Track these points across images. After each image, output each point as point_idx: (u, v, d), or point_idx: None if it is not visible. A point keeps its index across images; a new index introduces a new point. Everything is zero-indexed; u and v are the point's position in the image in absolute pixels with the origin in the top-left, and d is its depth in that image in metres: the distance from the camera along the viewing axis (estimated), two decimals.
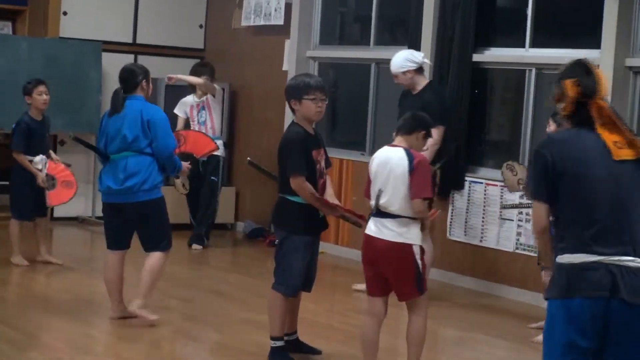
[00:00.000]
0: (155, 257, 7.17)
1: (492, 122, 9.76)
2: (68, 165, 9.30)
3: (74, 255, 9.83)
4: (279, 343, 6.34)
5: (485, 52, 9.42)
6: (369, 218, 5.94)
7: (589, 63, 4.21)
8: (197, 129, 10.46)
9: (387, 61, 10.35)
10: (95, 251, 10.88)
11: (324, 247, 10.22)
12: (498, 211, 8.95)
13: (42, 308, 7.81)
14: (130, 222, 7.15)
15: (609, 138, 4.15)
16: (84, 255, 10.38)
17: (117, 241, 7.25)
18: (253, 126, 11.94)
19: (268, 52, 11.70)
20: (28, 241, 9.22)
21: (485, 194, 9.05)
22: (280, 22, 11.38)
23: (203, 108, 10.65)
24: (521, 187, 7.95)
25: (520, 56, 9.07)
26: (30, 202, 9.00)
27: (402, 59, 8.50)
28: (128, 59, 12.10)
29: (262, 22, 11.65)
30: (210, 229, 10.86)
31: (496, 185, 8.84)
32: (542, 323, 6.82)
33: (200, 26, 12.68)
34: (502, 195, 8.73)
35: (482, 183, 9.04)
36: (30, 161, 8.90)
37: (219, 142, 10.47)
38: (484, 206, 9.12)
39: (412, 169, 5.74)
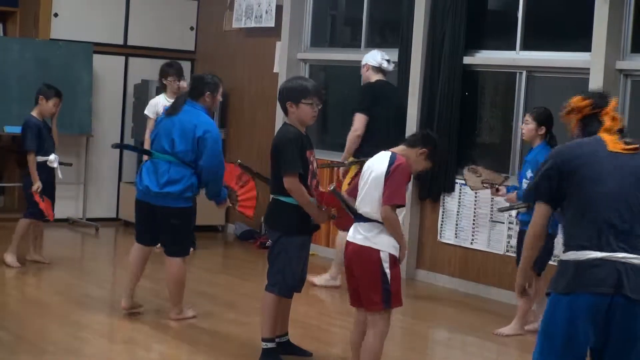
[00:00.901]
0: (174, 264, 7.35)
1: (483, 124, 9.77)
2: (69, 165, 9.35)
3: (64, 257, 9.81)
4: (271, 345, 6.34)
5: (476, 54, 9.43)
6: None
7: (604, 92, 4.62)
8: None
9: None
10: (86, 253, 10.88)
11: (315, 249, 10.24)
12: (489, 214, 8.97)
13: (32, 310, 7.79)
14: (160, 223, 7.30)
15: (607, 137, 4.39)
16: (74, 256, 10.36)
17: (144, 237, 7.48)
18: (244, 128, 11.94)
19: (259, 54, 11.70)
20: (20, 241, 9.22)
21: (476, 197, 9.06)
22: (271, 24, 11.39)
23: None
24: (485, 186, 8.08)
25: (511, 59, 9.08)
26: (53, 203, 9.12)
27: (369, 55, 9.04)
28: (119, 60, 12.15)
29: (253, 24, 11.66)
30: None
31: (487, 188, 8.83)
32: (536, 325, 6.99)
33: (192, 28, 12.68)
34: (492, 198, 8.74)
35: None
36: (46, 161, 8.99)
37: None
38: (475, 209, 9.13)
39: (388, 173, 5.58)
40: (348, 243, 5.74)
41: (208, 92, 7.30)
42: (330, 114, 11.35)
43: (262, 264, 9.06)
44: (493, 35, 9.61)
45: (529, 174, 7.43)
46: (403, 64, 9.75)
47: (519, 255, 7.66)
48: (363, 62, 9.03)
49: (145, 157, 7.94)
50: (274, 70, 11.38)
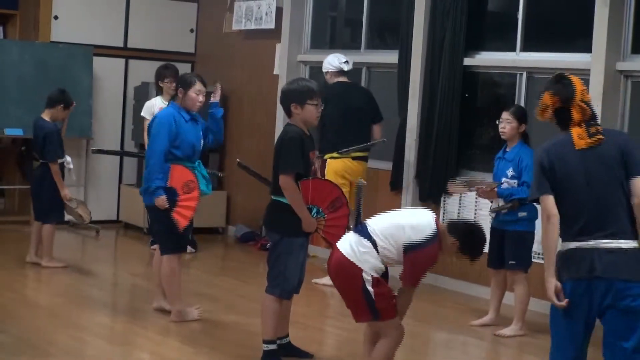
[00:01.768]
0: (162, 261, 7.44)
1: (483, 125, 9.77)
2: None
3: (65, 259, 9.80)
4: (272, 346, 6.34)
5: (476, 56, 9.43)
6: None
7: (564, 74, 4.87)
8: None
9: (378, 65, 10.43)
10: (86, 255, 10.88)
11: (315, 251, 10.25)
12: (489, 215, 8.95)
13: (33, 312, 7.79)
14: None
15: (575, 133, 4.75)
16: (75, 259, 10.34)
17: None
18: (244, 130, 11.94)
19: (259, 56, 11.70)
20: (21, 243, 9.24)
21: (476, 198, 9.04)
22: (271, 26, 11.38)
23: None
24: (472, 188, 8.12)
25: (511, 60, 9.08)
26: (60, 204, 9.19)
27: (325, 62, 9.49)
28: (119, 63, 12.15)
29: (253, 26, 11.66)
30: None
31: (468, 190, 8.82)
32: (485, 319, 7.21)
33: (192, 30, 12.68)
34: (492, 200, 8.72)
35: (473, 187, 9.03)
36: (62, 162, 9.09)
37: None
38: (475, 210, 9.12)
39: (420, 248, 5.51)
40: (336, 249, 5.68)
41: (180, 89, 7.41)
42: None
43: (262, 265, 9.04)
44: (493, 37, 9.61)
45: (510, 172, 7.60)
46: (403, 65, 9.74)
47: (491, 255, 7.73)
48: (324, 69, 9.51)
49: None
50: (274, 73, 11.38)
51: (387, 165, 9.89)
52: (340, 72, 9.43)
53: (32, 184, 9.40)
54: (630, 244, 4.67)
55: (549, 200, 4.75)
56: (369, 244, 5.55)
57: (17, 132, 10.98)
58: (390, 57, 9.96)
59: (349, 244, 5.60)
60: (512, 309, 7.80)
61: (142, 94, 11.59)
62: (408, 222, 5.62)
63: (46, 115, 9.10)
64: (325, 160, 9.20)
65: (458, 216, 9.28)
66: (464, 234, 5.64)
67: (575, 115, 4.75)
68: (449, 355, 7.49)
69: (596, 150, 4.73)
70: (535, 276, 8.00)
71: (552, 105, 4.78)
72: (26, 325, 7.33)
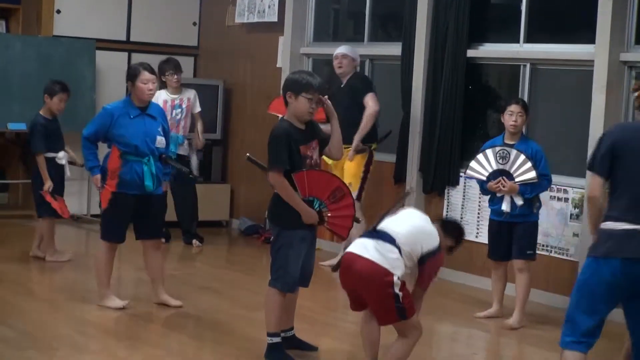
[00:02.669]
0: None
1: (487, 117, 9.76)
2: (81, 165, 9.38)
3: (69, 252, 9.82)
4: (276, 339, 6.33)
5: (479, 47, 9.42)
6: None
7: None
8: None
9: (381, 57, 10.42)
10: (90, 249, 10.86)
11: (320, 243, 10.22)
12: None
13: (38, 306, 7.80)
14: None
15: None
16: (79, 253, 10.34)
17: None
18: (247, 123, 11.93)
19: (262, 49, 11.69)
20: (25, 237, 9.24)
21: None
22: (274, 18, 11.37)
23: (179, 106, 10.48)
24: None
25: (515, 51, 9.06)
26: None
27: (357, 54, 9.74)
28: (122, 57, 12.14)
29: (255, 19, 11.65)
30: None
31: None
32: (490, 311, 7.20)
33: (194, 23, 12.67)
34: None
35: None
36: (54, 157, 8.99)
37: (185, 142, 10.49)
38: (480, 202, 9.11)
39: (432, 257, 5.78)
40: (356, 256, 5.70)
41: (128, 82, 7.52)
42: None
43: (266, 259, 9.02)
44: (496, 28, 9.59)
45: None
46: (406, 57, 9.73)
47: (496, 247, 7.72)
48: (354, 56, 9.59)
49: None
50: (277, 65, 11.37)
51: (391, 158, 9.88)
52: None
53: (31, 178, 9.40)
54: None
55: (596, 181, 5.17)
56: (396, 250, 5.64)
57: (21, 126, 10.96)
58: (394, 49, 9.95)
59: (374, 249, 5.66)
60: (512, 300, 7.80)
61: None
62: (421, 231, 5.79)
63: (42, 110, 9.09)
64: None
65: (462, 208, 9.28)
66: (459, 234, 6.02)
67: None
68: (454, 347, 7.49)
69: None
70: (538, 267, 8.01)
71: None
72: (31, 319, 7.34)
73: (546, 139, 8.46)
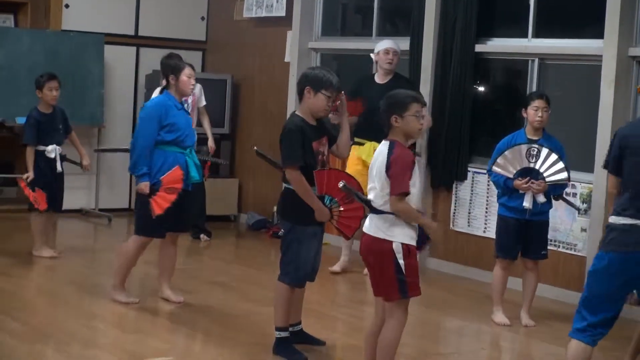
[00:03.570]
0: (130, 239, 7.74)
1: (495, 112, 9.75)
2: (78, 164, 9.39)
3: (77, 247, 9.84)
4: (284, 334, 6.34)
5: (487, 42, 9.41)
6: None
7: None
8: None
9: None
10: (98, 243, 10.89)
11: (328, 238, 10.23)
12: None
13: (46, 300, 7.82)
14: None
15: None
16: (87, 247, 10.37)
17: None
18: (255, 117, 11.94)
19: (270, 44, 11.69)
20: (22, 233, 9.26)
21: (488, 185, 9.03)
22: (282, 13, 11.37)
23: (185, 101, 10.45)
24: None
25: (523, 46, 9.05)
26: (51, 194, 9.06)
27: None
28: (130, 51, 12.15)
29: (264, 14, 11.65)
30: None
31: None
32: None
33: (202, 18, 12.67)
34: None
35: (485, 174, 9.01)
36: (44, 150, 8.95)
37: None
38: (487, 197, 9.11)
39: (388, 165, 5.45)
40: (363, 234, 5.66)
41: (171, 75, 7.51)
42: None
43: (274, 253, 9.08)
44: (505, 23, 9.58)
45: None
46: (414, 52, 9.73)
47: (497, 239, 7.64)
48: (398, 50, 9.14)
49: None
50: (285, 60, 11.37)
51: None
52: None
53: None
54: None
55: (610, 180, 5.40)
56: (386, 215, 5.48)
57: None
58: (402, 44, 9.92)
59: (373, 224, 5.55)
60: (515, 295, 7.81)
61: (154, 82, 11.57)
62: (376, 170, 5.55)
63: (39, 105, 9.09)
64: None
65: (470, 203, 9.28)
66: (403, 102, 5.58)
67: None
68: (461, 342, 7.49)
69: None
70: (546, 262, 7.99)
71: None
72: (39, 313, 7.36)
73: (554, 133, 8.43)
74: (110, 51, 11.85)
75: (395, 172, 5.42)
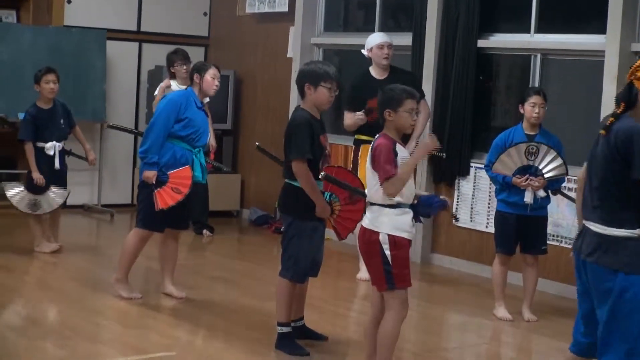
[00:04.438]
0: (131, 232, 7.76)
1: (497, 108, 9.75)
2: (82, 158, 9.38)
3: (79, 243, 9.85)
4: (286, 329, 6.34)
5: (490, 37, 9.40)
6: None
7: None
8: None
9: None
10: (101, 239, 10.91)
11: (330, 233, 10.22)
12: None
13: (48, 295, 7.82)
14: None
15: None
16: (89, 242, 10.38)
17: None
18: (258, 113, 11.94)
19: (272, 39, 11.69)
20: (24, 229, 9.28)
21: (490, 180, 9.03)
22: (285, 9, 11.37)
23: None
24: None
25: (526, 42, 9.05)
26: (33, 187, 9.02)
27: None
28: (132, 47, 12.15)
29: (266, 9, 11.65)
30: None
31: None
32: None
33: (205, 13, 12.67)
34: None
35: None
36: (43, 147, 8.93)
37: None
38: (490, 192, 9.11)
39: (372, 159, 5.55)
40: (361, 226, 5.75)
41: (196, 74, 7.59)
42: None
43: (276, 249, 9.07)
44: (507, 18, 9.57)
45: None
46: (417, 47, 9.72)
47: (497, 236, 7.64)
48: (391, 42, 8.73)
49: None
50: (288, 55, 11.37)
51: None
52: None
53: None
54: None
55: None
56: (375, 207, 5.56)
57: None
58: (404, 39, 9.92)
59: (367, 216, 5.64)
60: (516, 290, 7.81)
61: (156, 78, 11.59)
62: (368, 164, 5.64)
63: (38, 100, 9.08)
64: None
65: (472, 198, 9.28)
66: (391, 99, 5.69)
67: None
68: (464, 337, 7.49)
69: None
70: (548, 257, 8.00)
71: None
72: (41, 308, 7.38)
73: (556, 129, 8.43)
74: (112, 47, 11.85)
75: (377, 161, 5.52)
